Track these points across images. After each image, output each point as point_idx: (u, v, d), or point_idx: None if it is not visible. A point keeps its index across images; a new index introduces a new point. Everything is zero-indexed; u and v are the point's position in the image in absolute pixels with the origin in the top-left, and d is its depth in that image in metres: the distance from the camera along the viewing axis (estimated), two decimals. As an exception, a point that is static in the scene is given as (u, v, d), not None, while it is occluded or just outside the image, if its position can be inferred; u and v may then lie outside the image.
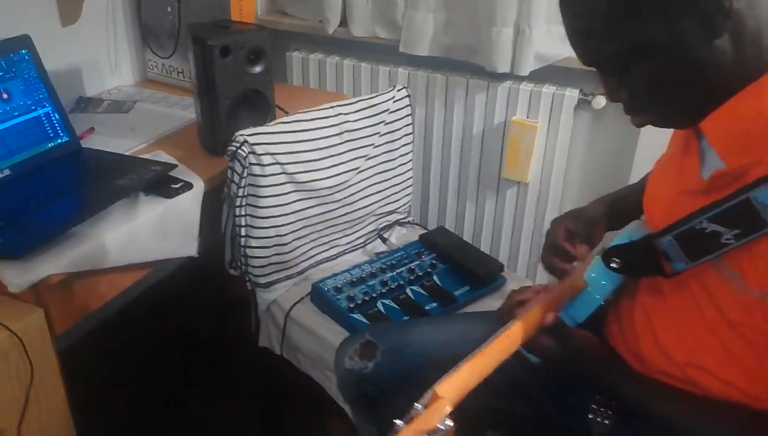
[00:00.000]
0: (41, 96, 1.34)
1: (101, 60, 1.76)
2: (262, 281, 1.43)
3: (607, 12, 0.71)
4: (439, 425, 0.62)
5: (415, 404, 0.65)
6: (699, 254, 0.76)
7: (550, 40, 1.69)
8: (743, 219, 0.70)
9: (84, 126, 1.51)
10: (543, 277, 1.93)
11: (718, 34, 0.68)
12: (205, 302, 1.83)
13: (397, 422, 0.62)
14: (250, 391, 1.70)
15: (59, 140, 1.37)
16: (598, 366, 0.87)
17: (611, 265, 0.85)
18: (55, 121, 1.36)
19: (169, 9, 1.72)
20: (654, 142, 1.60)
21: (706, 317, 0.79)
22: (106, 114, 1.64)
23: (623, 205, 1.09)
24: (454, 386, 0.69)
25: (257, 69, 1.43)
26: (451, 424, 0.63)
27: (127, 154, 1.41)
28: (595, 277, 0.89)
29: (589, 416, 0.91)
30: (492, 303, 1.41)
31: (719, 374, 0.80)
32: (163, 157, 1.39)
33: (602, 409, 0.91)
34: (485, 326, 0.98)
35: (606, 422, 0.90)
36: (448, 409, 0.64)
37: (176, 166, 1.33)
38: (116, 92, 1.78)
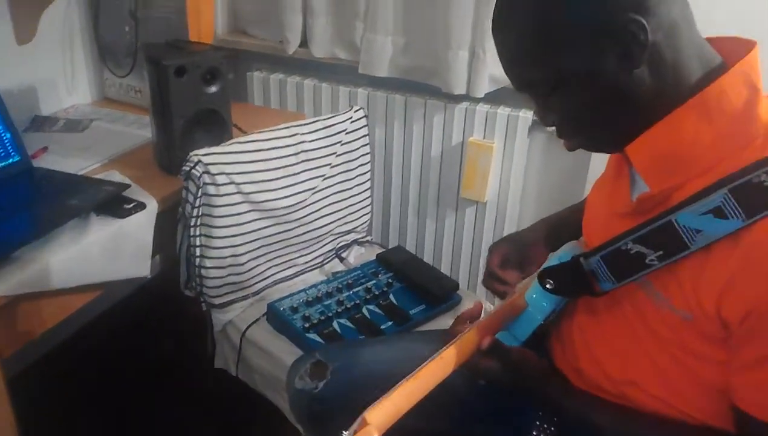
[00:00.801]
0: (-9, 115, 1.33)
1: (58, 78, 1.75)
2: (218, 301, 1.43)
3: (530, 42, 0.74)
4: None
5: (343, 432, 0.65)
6: (625, 275, 0.78)
7: (505, 63, 1.73)
8: (666, 241, 0.73)
9: (38, 145, 1.49)
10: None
11: (636, 65, 0.71)
12: (160, 324, 1.81)
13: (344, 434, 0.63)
14: (206, 414, 1.68)
15: (10, 160, 1.35)
16: (537, 381, 0.89)
17: (546, 286, 0.87)
18: (5, 141, 1.34)
19: (126, 28, 1.72)
20: (606, 163, 1.65)
21: (638, 335, 0.81)
22: (62, 133, 1.62)
23: (564, 226, 1.12)
24: (383, 411, 0.70)
25: (213, 89, 1.43)
26: None
27: (79, 173, 1.39)
28: (536, 297, 0.91)
29: (533, 433, 0.93)
30: (447, 321, 1.42)
31: (651, 391, 0.82)
32: (117, 176, 1.38)
33: (545, 426, 0.93)
34: (436, 344, 0.99)
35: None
36: (376, 434, 0.65)
37: (129, 186, 1.32)
38: (73, 111, 1.77)
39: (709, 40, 0.77)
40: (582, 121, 0.78)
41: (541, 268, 0.88)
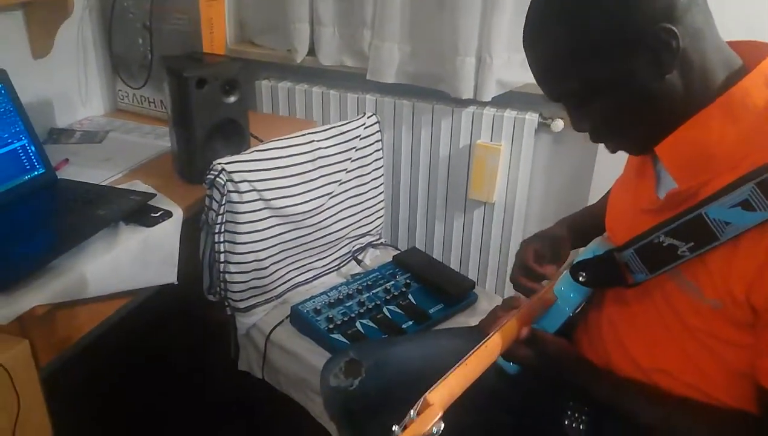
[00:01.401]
0: (17, 129, 1.36)
1: (72, 91, 1.78)
2: (242, 305, 1.46)
3: (563, 55, 0.77)
4: (432, 428, 0.67)
5: (410, 412, 0.69)
6: (658, 266, 0.82)
7: (510, 68, 1.78)
8: (697, 233, 0.77)
9: (58, 157, 1.52)
10: (510, 292, 2.00)
11: (668, 71, 0.75)
12: (182, 330, 1.84)
13: (394, 428, 0.67)
14: (230, 415, 1.71)
15: (35, 172, 1.38)
16: (571, 369, 0.93)
17: (579, 278, 0.91)
18: (31, 154, 1.37)
19: (140, 40, 1.76)
20: (610, 162, 1.69)
21: (668, 324, 0.86)
22: (80, 145, 1.65)
23: (584, 224, 1.17)
24: (442, 393, 0.74)
25: (232, 99, 1.47)
26: (443, 426, 0.68)
27: (104, 184, 1.43)
28: (564, 290, 0.96)
29: (565, 422, 0.97)
30: (465, 320, 1.47)
31: (681, 378, 0.86)
32: (141, 186, 1.41)
33: (577, 414, 0.97)
34: (462, 341, 1.03)
35: (581, 427, 0.96)
36: (439, 414, 0.69)
37: (155, 195, 1.35)
38: (87, 123, 1.80)
39: (729, 43, 0.82)
40: (615, 127, 0.82)
41: (574, 261, 0.92)
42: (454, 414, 1.05)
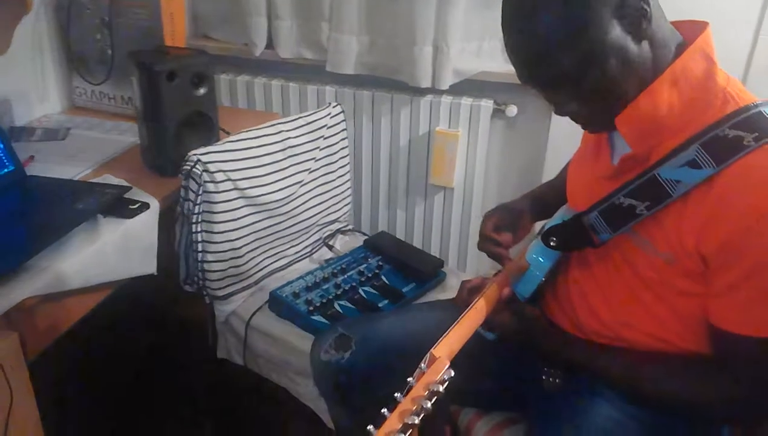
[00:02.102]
0: (-16, 126, 1.34)
1: (29, 89, 1.75)
2: (220, 293, 1.49)
3: (560, 28, 0.82)
4: (443, 375, 0.74)
5: (420, 365, 0.76)
6: (619, 224, 0.92)
7: (466, 57, 1.87)
8: (652, 192, 0.87)
9: (22, 155, 1.50)
10: (472, 271, 2.10)
11: (644, 36, 0.83)
12: (157, 321, 1.84)
13: (409, 379, 0.73)
14: (210, 401, 1.74)
15: (5, 169, 1.36)
16: (544, 335, 1.03)
17: (550, 244, 1.00)
18: (-1, 151, 1.36)
19: (98, 36, 1.74)
20: (560, 145, 1.82)
21: (627, 280, 0.95)
22: (42, 142, 1.63)
23: (544, 198, 1.27)
24: (445, 347, 0.81)
25: (201, 91, 1.49)
26: (453, 373, 0.75)
27: (76, 179, 1.42)
28: (535, 257, 1.05)
29: (543, 378, 1.06)
30: (436, 296, 1.54)
31: (641, 328, 0.96)
32: (113, 180, 1.42)
33: (553, 371, 1.06)
34: (441, 313, 1.12)
35: (558, 381, 1.05)
36: (447, 363, 0.76)
37: (130, 188, 1.36)
38: (46, 120, 1.77)
39: (671, 23, 0.92)
40: (599, 102, 0.88)
41: (545, 229, 1.01)
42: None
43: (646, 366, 0.96)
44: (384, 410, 0.71)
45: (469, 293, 1.06)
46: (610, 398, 0.99)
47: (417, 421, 0.69)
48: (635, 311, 0.96)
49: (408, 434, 0.69)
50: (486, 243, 1.17)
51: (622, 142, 0.93)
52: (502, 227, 1.19)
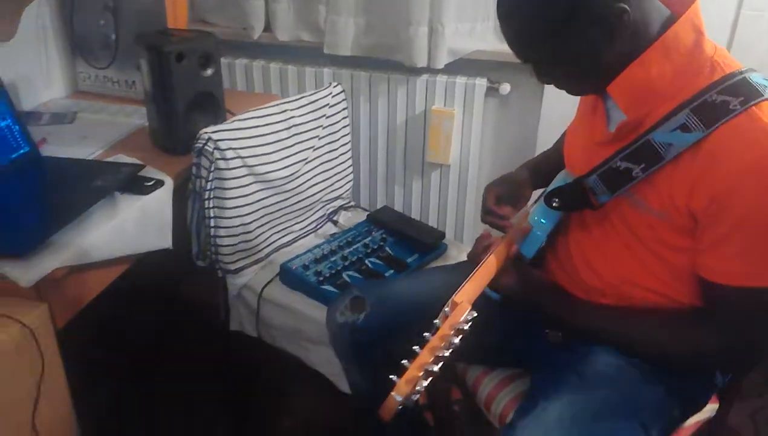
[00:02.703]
0: (1, 109, 1.38)
1: (35, 75, 1.79)
2: (232, 267, 1.55)
3: (536, 29, 0.91)
4: (467, 316, 0.80)
5: (444, 309, 0.83)
6: (617, 186, 0.99)
7: (460, 36, 1.92)
8: (646, 155, 0.94)
9: (34, 138, 1.54)
10: (469, 243, 2.16)
11: (619, 38, 0.90)
12: (163, 297, 1.90)
13: (435, 321, 0.80)
14: (224, 372, 1.80)
15: (21, 151, 1.41)
16: (546, 295, 1.10)
17: (552, 204, 1.07)
18: (15, 132, 1.40)
19: (102, 21, 1.78)
20: (552, 122, 1.88)
21: (624, 239, 1.03)
22: (51, 126, 1.67)
23: (542, 167, 1.34)
24: (465, 294, 0.89)
25: (208, 72, 1.54)
26: (476, 314, 0.82)
27: (90, 159, 1.47)
28: (537, 219, 1.12)
29: (546, 330, 1.13)
30: (439, 266, 1.61)
31: (639, 283, 1.04)
32: (126, 159, 1.47)
33: (554, 328, 1.13)
34: (450, 276, 1.17)
35: (560, 334, 1.12)
36: (469, 307, 0.83)
37: (144, 166, 1.41)
38: (52, 105, 1.81)
39: None
40: (575, 79, 0.99)
41: (548, 190, 1.07)
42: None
43: (640, 320, 1.04)
44: (416, 347, 0.77)
45: (484, 249, 1.13)
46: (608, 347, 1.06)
47: (447, 354, 0.76)
48: (633, 267, 1.04)
49: (440, 366, 0.76)
50: (488, 216, 1.24)
51: (617, 110, 1.00)
52: (503, 198, 1.25)
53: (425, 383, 0.75)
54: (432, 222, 2.18)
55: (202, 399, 1.75)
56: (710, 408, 1.16)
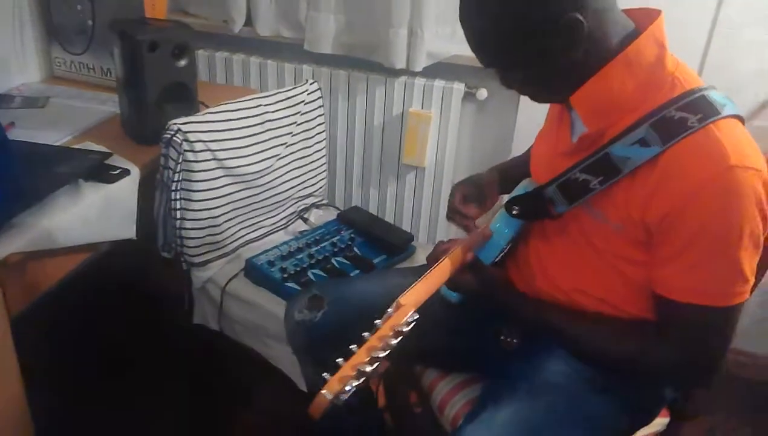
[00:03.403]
0: (-35, 90, 1.37)
1: (8, 58, 1.77)
2: (197, 260, 1.54)
3: (492, 37, 0.93)
4: (408, 318, 0.81)
5: (388, 310, 0.83)
6: (575, 197, 1.00)
7: (439, 40, 1.93)
8: (604, 168, 0.95)
9: (2, 121, 1.52)
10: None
11: (577, 49, 0.90)
12: (136, 287, 1.89)
13: (377, 321, 0.80)
14: (186, 365, 1.79)
15: (-14, 133, 1.39)
16: (504, 291, 1.10)
17: (512, 212, 1.08)
18: (-19, 115, 1.39)
19: (79, 7, 1.76)
20: (528, 127, 1.89)
21: (581, 249, 1.03)
22: (22, 109, 1.65)
23: (511, 171, 1.35)
24: (411, 297, 0.89)
25: (182, 63, 1.53)
26: (417, 316, 0.82)
27: (58, 145, 1.46)
28: (499, 226, 1.12)
29: (501, 338, 1.14)
30: (404, 267, 1.61)
31: (594, 294, 1.05)
32: (93, 147, 1.45)
33: (511, 330, 1.14)
34: (411, 278, 1.17)
35: (514, 340, 1.13)
36: (412, 309, 0.84)
37: (111, 154, 1.40)
38: (25, 89, 1.79)
39: (624, 11, 0.99)
40: (536, 87, 1.00)
41: (509, 198, 1.08)
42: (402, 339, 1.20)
43: (588, 319, 1.04)
44: (353, 346, 0.78)
45: (442, 253, 1.13)
46: (563, 355, 1.07)
47: (382, 355, 0.76)
48: (588, 277, 1.05)
49: (374, 367, 0.76)
50: (454, 214, 1.25)
51: (580, 122, 1.01)
52: (469, 198, 1.26)
53: (356, 383, 0.75)
54: (406, 224, 2.18)
55: (162, 392, 1.74)
56: (660, 422, 1.18)
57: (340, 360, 0.76)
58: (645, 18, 0.97)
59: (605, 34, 0.93)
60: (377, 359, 0.77)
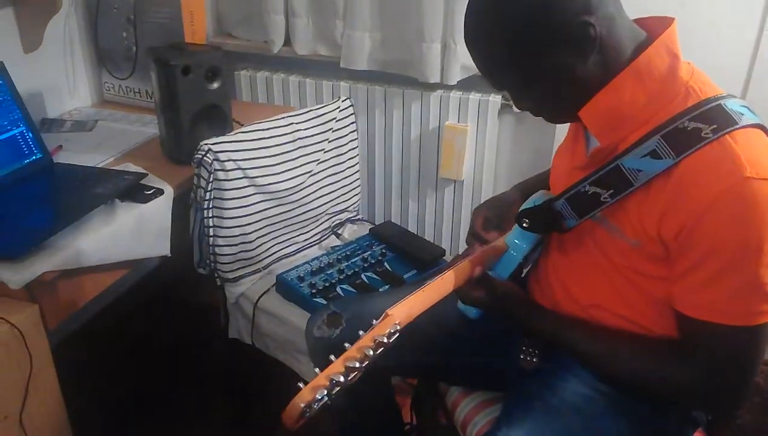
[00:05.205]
0: (16, 117, 1.45)
1: (61, 83, 1.88)
2: (230, 276, 1.58)
3: (498, 54, 0.90)
4: (390, 330, 0.81)
5: (373, 321, 0.83)
6: (585, 211, 0.96)
7: (474, 52, 1.91)
8: (615, 181, 0.91)
9: (51, 144, 1.61)
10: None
11: (589, 57, 0.88)
12: (175, 304, 1.95)
13: (360, 332, 0.81)
14: (222, 379, 1.83)
15: (34, 157, 1.48)
16: (518, 307, 1.07)
17: (522, 224, 1.05)
18: (29, 140, 1.47)
19: (124, 34, 1.85)
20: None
21: (599, 265, 1.00)
22: (71, 133, 1.75)
23: (534, 187, 1.31)
24: (401, 309, 0.88)
25: (215, 85, 1.58)
26: (398, 328, 0.83)
27: (98, 166, 1.53)
28: (514, 239, 1.10)
29: (521, 357, 1.11)
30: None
31: (613, 310, 1.00)
32: (132, 168, 1.52)
33: (530, 350, 1.11)
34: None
35: (534, 360, 1.10)
36: (396, 321, 0.83)
37: (146, 174, 1.46)
38: (77, 113, 1.90)
39: (636, 20, 0.96)
40: (549, 105, 0.97)
41: (520, 210, 1.06)
42: (421, 356, 1.20)
43: (612, 343, 1.00)
44: (332, 356, 0.78)
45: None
46: (583, 376, 1.03)
47: (358, 366, 0.76)
48: (607, 293, 1.01)
49: (350, 377, 0.76)
50: (472, 239, 1.22)
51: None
52: (491, 221, 1.23)
53: (326, 393, 0.75)
54: (445, 238, 2.16)
55: (199, 404, 1.79)
56: (693, 446, 1.12)
57: (317, 369, 0.77)
58: (658, 26, 0.93)
59: (617, 42, 0.90)
60: (353, 369, 0.77)
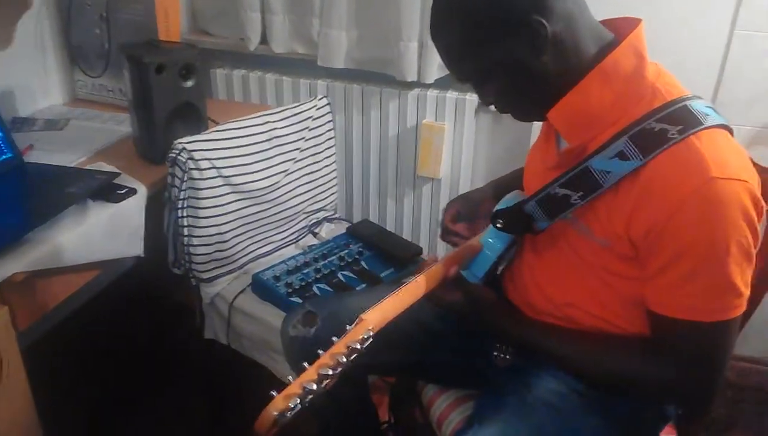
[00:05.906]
0: (-17, 116, 1.43)
1: (32, 82, 1.85)
2: (205, 276, 1.56)
3: (459, 45, 0.92)
4: (363, 335, 0.80)
5: (347, 326, 0.83)
6: (555, 213, 0.97)
7: (451, 51, 1.92)
8: (584, 183, 0.92)
9: (22, 144, 1.59)
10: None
11: (542, 53, 0.89)
12: (150, 304, 1.93)
13: (333, 338, 0.80)
14: (198, 379, 1.82)
15: (3, 157, 1.45)
16: (491, 310, 1.07)
17: (497, 225, 1.06)
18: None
19: (97, 31, 1.83)
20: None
21: (572, 264, 1.01)
22: (42, 132, 1.72)
23: (509, 184, 1.32)
24: (375, 314, 0.89)
25: (189, 83, 1.56)
26: (372, 333, 0.83)
27: (70, 166, 1.51)
28: (489, 239, 1.10)
29: (494, 354, 1.11)
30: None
31: (586, 309, 1.01)
32: (105, 167, 1.50)
33: (504, 347, 1.11)
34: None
35: (507, 357, 1.11)
36: (370, 326, 0.83)
37: (119, 174, 1.44)
38: (48, 112, 1.87)
39: (603, 21, 0.96)
40: (510, 100, 0.98)
41: (494, 210, 1.06)
42: (398, 354, 1.20)
43: (586, 345, 1.00)
44: (305, 363, 0.78)
45: (426, 267, 1.11)
46: (556, 373, 1.04)
47: (331, 373, 0.76)
48: (580, 292, 1.01)
49: (324, 384, 0.76)
50: (444, 233, 1.23)
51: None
52: (462, 216, 1.24)
53: (299, 401, 0.75)
54: (423, 236, 2.17)
55: (175, 405, 1.77)
56: (664, 440, 1.13)
57: (290, 377, 0.76)
58: (626, 27, 0.94)
59: (576, 41, 0.91)
60: (326, 376, 0.76)
